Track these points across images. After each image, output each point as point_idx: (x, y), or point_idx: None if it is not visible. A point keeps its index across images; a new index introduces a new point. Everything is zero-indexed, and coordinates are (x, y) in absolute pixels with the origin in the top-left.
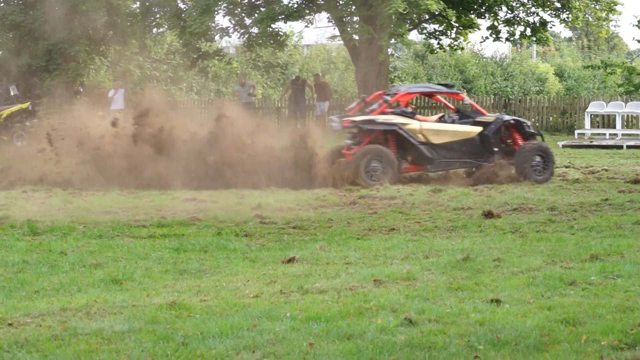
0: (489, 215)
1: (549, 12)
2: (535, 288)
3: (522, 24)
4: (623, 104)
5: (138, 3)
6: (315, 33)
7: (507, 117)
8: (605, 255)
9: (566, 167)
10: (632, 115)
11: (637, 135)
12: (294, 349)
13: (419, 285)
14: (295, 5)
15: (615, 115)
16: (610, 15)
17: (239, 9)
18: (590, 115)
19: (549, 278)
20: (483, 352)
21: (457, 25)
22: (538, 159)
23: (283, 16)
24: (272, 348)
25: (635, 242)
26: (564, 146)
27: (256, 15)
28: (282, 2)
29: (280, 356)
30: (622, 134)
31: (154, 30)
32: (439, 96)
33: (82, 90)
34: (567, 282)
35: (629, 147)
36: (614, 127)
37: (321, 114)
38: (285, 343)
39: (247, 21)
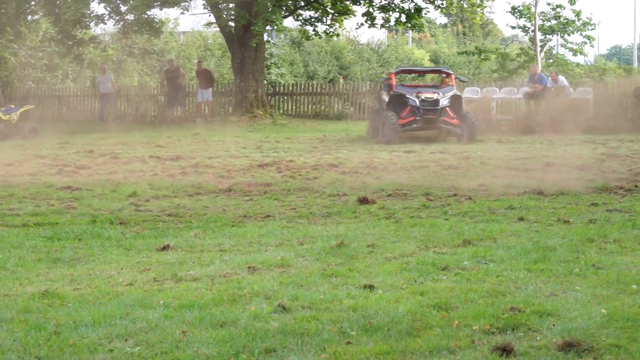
0: (364, 201)
1: None
2: (409, 273)
3: (397, 10)
4: (497, 89)
5: None
6: (191, 20)
7: None
8: (478, 240)
9: (441, 152)
10: (506, 101)
11: (511, 120)
12: (167, 336)
13: (293, 271)
14: None
15: (489, 100)
16: (485, 1)
17: None
18: (465, 100)
19: (422, 263)
20: (355, 338)
21: (332, 11)
22: None
23: (158, 3)
24: (145, 336)
25: (507, 227)
26: None
27: (131, 2)
28: None
29: (153, 344)
30: (497, 120)
31: (29, 17)
32: None
33: None
34: (440, 267)
35: (503, 132)
36: (489, 112)
37: (202, 101)
38: (158, 331)
39: (123, 8)
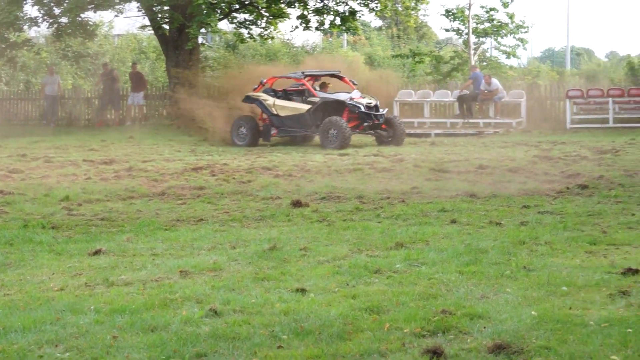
0: (297, 204)
1: (359, 1)
2: (341, 277)
3: (331, 13)
4: (431, 92)
5: None
6: (126, 22)
7: None
8: (411, 243)
9: (375, 155)
10: (439, 104)
11: (445, 123)
12: (97, 342)
13: (225, 275)
14: None
15: (423, 103)
16: (419, 4)
17: None
18: (399, 103)
19: (355, 266)
20: (287, 342)
21: (267, 14)
22: None
23: (92, 6)
24: (75, 342)
25: (440, 230)
26: None
27: (65, 4)
28: None
29: (83, 350)
30: (430, 122)
31: None
32: None
33: None
34: (372, 270)
35: (436, 135)
36: (422, 115)
37: (133, 104)
38: (88, 336)
39: (56, 11)
